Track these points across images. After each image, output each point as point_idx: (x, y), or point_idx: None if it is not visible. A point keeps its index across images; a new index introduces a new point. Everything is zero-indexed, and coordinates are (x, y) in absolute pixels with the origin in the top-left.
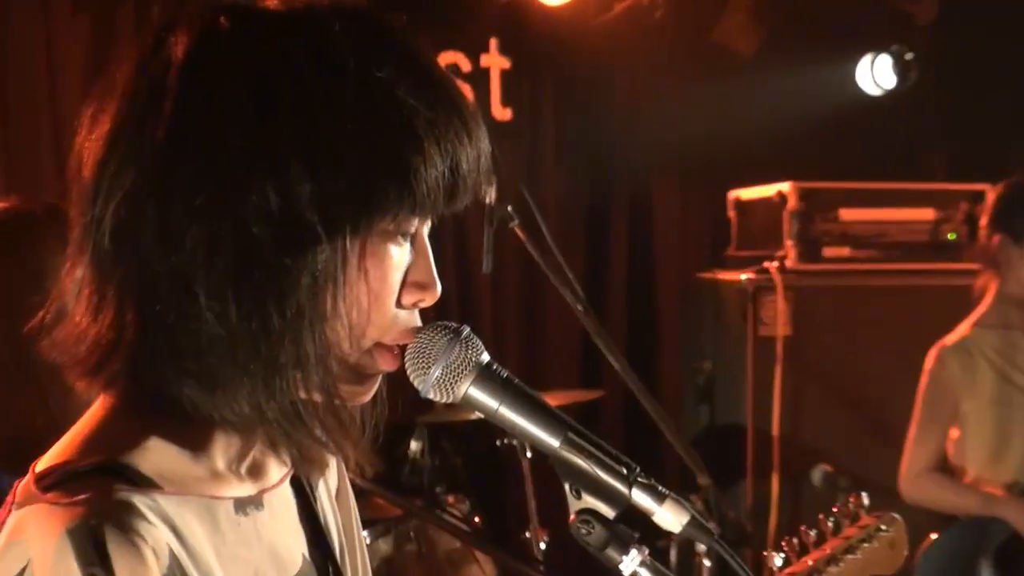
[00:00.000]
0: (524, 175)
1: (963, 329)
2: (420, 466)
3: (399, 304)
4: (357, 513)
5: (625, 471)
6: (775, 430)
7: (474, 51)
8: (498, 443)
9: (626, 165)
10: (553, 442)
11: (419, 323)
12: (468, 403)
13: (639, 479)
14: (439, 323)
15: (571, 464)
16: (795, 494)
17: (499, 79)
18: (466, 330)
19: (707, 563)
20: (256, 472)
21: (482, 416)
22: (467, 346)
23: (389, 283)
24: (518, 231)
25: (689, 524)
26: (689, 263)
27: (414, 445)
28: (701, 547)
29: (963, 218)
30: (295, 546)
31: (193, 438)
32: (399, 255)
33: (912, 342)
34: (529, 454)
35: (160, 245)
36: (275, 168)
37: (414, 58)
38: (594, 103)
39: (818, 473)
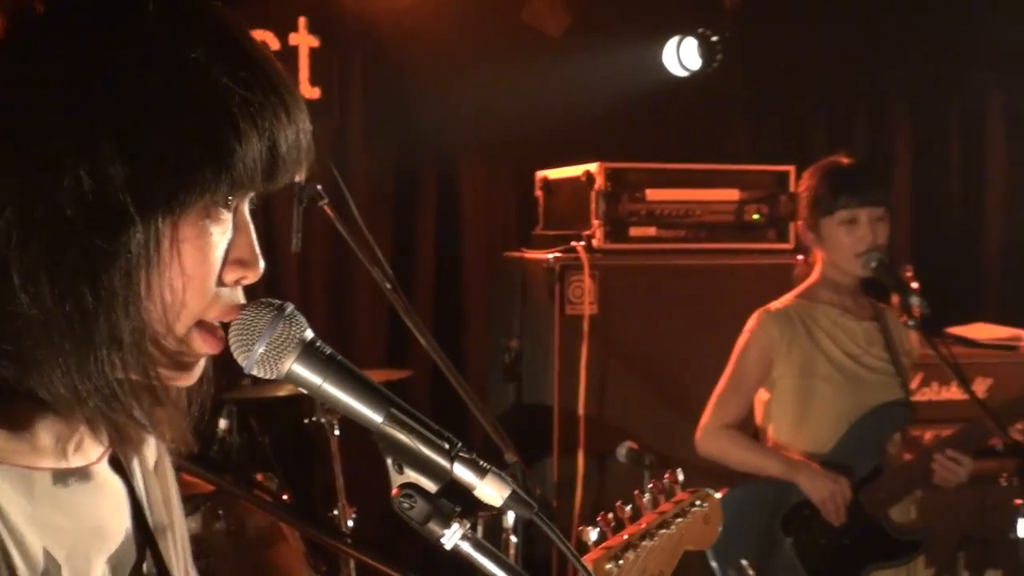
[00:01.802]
0: (333, 154)
1: (788, 298)
2: (228, 444)
3: (221, 282)
4: (176, 487)
5: (447, 446)
6: (581, 408)
7: (283, 30)
8: (306, 421)
9: (434, 144)
10: (376, 417)
11: (242, 300)
12: (292, 379)
13: (461, 454)
14: (263, 300)
15: (393, 439)
16: (600, 471)
17: (308, 58)
18: (290, 307)
19: (514, 539)
20: (84, 446)
21: (291, 394)
22: (291, 323)
23: (208, 262)
24: (327, 210)
25: (510, 498)
26: (496, 242)
27: (222, 423)
28: (508, 523)
29: (768, 199)
30: (119, 521)
31: (13, 415)
32: (218, 233)
33: (717, 321)
34: (337, 432)
35: None
36: (87, 150)
37: (230, 38)
38: (403, 82)
39: (623, 450)
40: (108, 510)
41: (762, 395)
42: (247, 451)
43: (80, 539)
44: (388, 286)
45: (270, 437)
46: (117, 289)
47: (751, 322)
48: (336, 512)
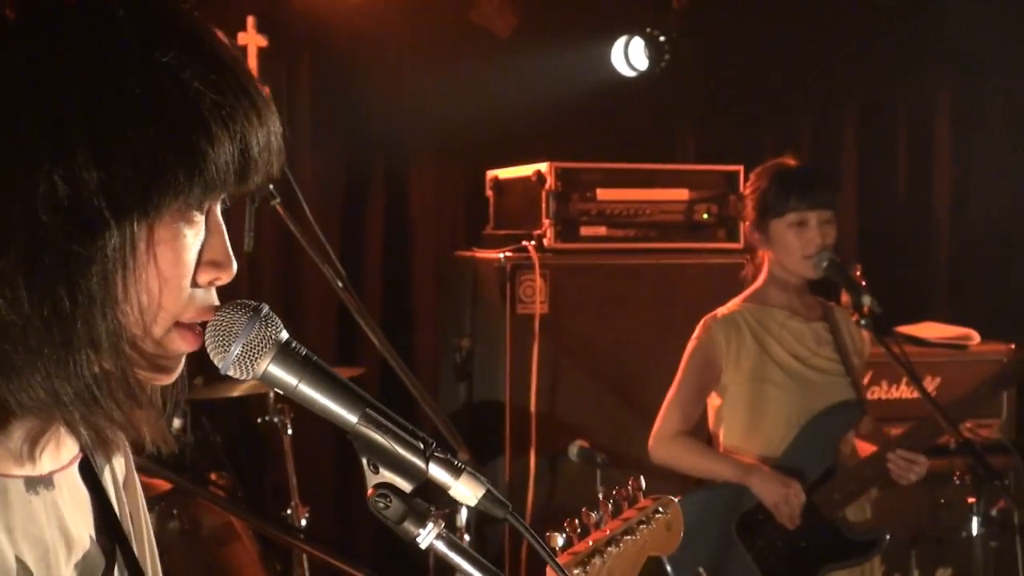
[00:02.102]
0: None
1: (735, 303)
2: (182, 443)
3: (195, 283)
4: (143, 498)
5: (422, 446)
6: (532, 407)
7: (231, 29)
8: (258, 420)
9: (383, 144)
10: (351, 418)
11: (216, 301)
12: (268, 380)
13: (436, 454)
14: (238, 301)
15: (369, 439)
16: (552, 470)
17: (256, 57)
18: (265, 308)
19: (467, 537)
20: (53, 453)
21: (244, 394)
22: (266, 324)
23: (182, 263)
24: (279, 209)
25: (484, 497)
26: (445, 242)
27: (176, 422)
28: (461, 522)
29: (717, 198)
30: (84, 527)
31: None
32: (192, 235)
33: (667, 320)
34: (290, 431)
35: None
36: (61, 156)
37: (200, 42)
38: (352, 82)
39: (574, 448)
40: (74, 517)
41: (713, 400)
42: (200, 451)
43: (49, 546)
44: (340, 284)
45: (222, 437)
46: (94, 293)
47: (698, 329)
48: (289, 511)
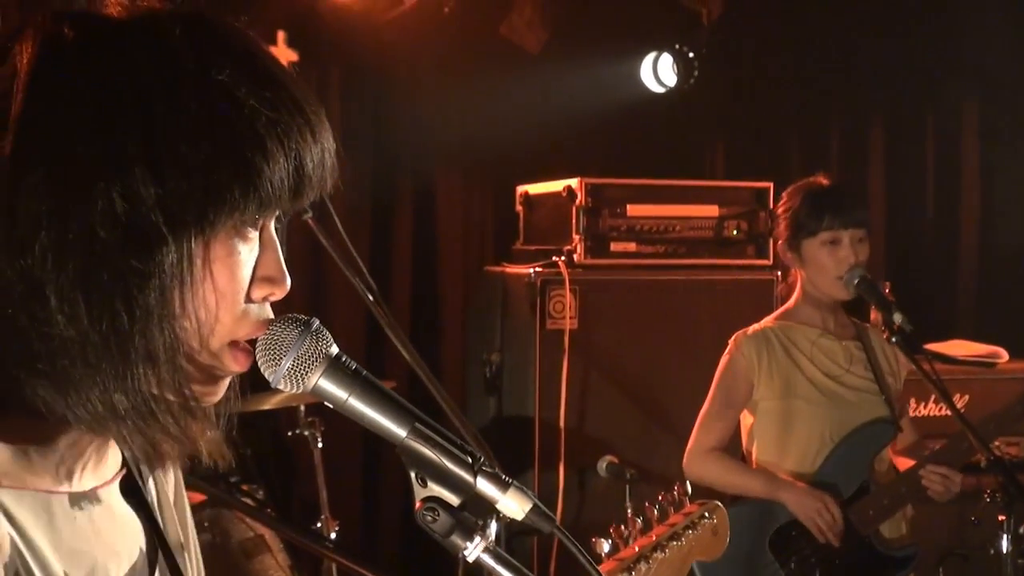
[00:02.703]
0: None
1: (767, 321)
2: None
3: (249, 299)
4: (190, 512)
5: (470, 460)
6: (562, 421)
7: None
8: (289, 434)
9: (413, 158)
10: (400, 432)
11: (270, 314)
12: (318, 393)
13: (484, 468)
14: (290, 315)
15: (417, 453)
16: (581, 484)
17: None
18: (316, 323)
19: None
20: (93, 468)
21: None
22: (317, 338)
23: (237, 279)
24: (311, 223)
25: (531, 511)
26: (473, 256)
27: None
28: (491, 535)
29: (747, 215)
30: (131, 543)
31: (37, 436)
32: (246, 251)
33: (696, 336)
34: (320, 444)
35: (9, 252)
36: (119, 173)
37: (255, 60)
38: (381, 97)
39: (603, 464)
40: (120, 532)
41: (746, 418)
42: (231, 464)
43: (97, 562)
44: (371, 298)
45: (253, 450)
46: (152, 308)
47: (730, 345)
48: (319, 524)
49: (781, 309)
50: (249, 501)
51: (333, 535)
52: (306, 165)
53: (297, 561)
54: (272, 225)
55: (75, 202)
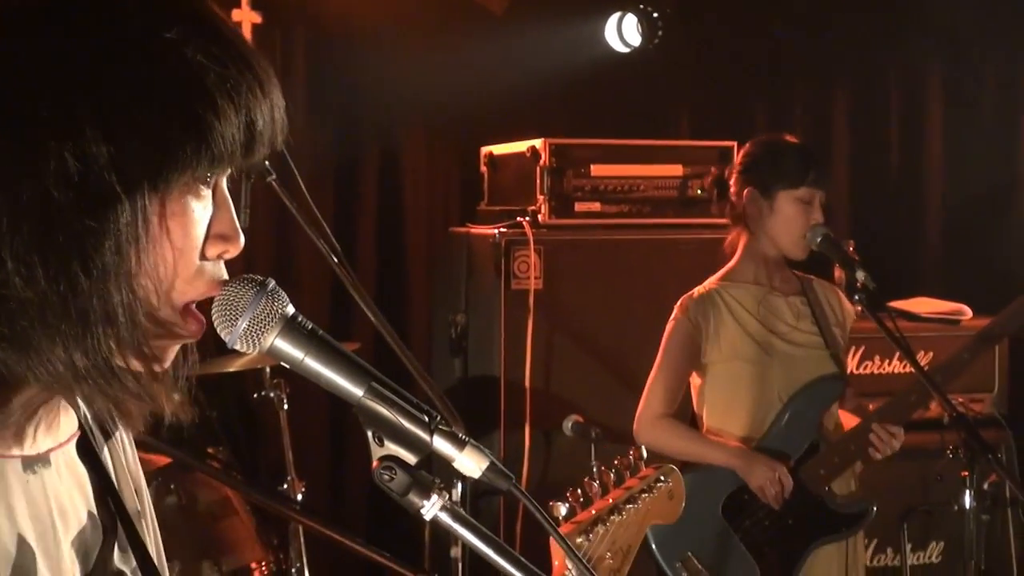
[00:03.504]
0: None
1: (711, 282)
2: (179, 419)
3: (204, 257)
4: (142, 475)
5: (427, 419)
6: (527, 382)
7: (225, 6)
8: (254, 396)
9: (377, 120)
10: (357, 391)
11: (225, 274)
12: (274, 354)
13: (440, 427)
14: (245, 276)
15: (374, 412)
16: (547, 444)
17: (250, 33)
18: (271, 283)
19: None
20: (46, 430)
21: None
22: (273, 298)
23: (192, 237)
24: (275, 185)
25: (488, 469)
26: (438, 218)
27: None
28: (456, 496)
29: (711, 174)
30: (82, 504)
31: None
32: (200, 209)
33: (660, 295)
34: (287, 406)
35: None
36: (70, 134)
37: (203, 18)
38: (346, 58)
39: (569, 423)
40: (72, 493)
41: (695, 380)
42: (196, 426)
43: (48, 524)
44: (335, 260)
45: (219, 412)
46: (108, 267)
47: (676, 310)
48: (285, 486)
49: (724, 269)
50: (215, 464)
51: (300, 496)
52: (257, 121)
53: (264, 522)
54: (224, 183)
55: (27, 164)
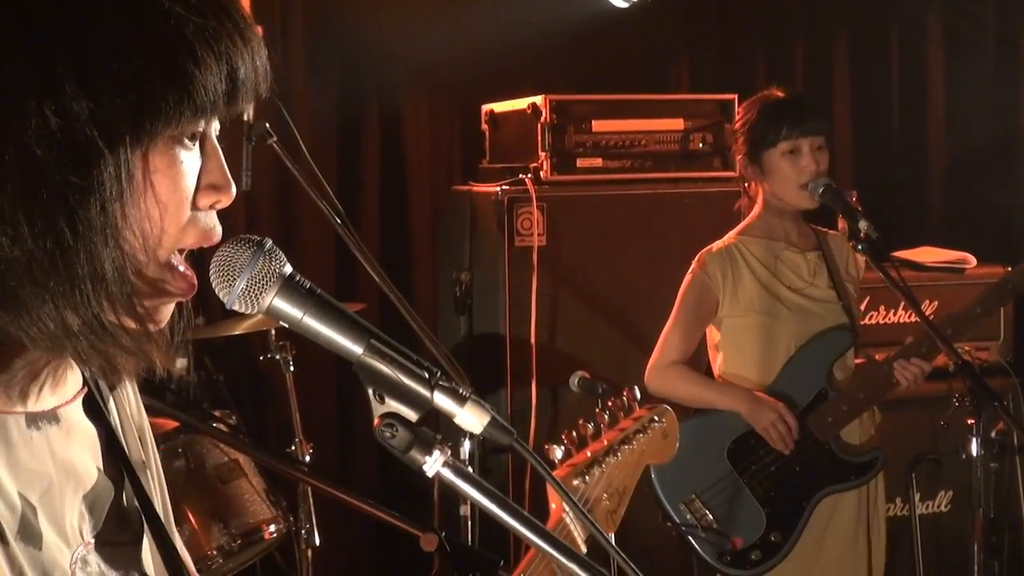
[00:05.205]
0: (276, 92)
1: (730, 236)
2: (186, 382)
3: (195, 207)
4: (150, 430)
5: (427, 375)
6: (533, 339)
7: None
8: (260, 358)
9: (378, 80)
10: (356, 349)
11: (217, 224)
12: (273, 313)
13: (440, 383)
14: (242, 236)
15: (374, 370)
16: (553, 401)
17: None
18: (269, 242)
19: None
20: (52, 388)
21: (246, 332)
22: (270, 258)
23: (181, 189)
24: (276, 147)
25: (489, 424)
26: (441, 176)
27: (179, 362)
28: (464, 455)
29: (712, 127)
30: (90, 460)
31: None
32: (189, 160)
33: (663, 249)
34: (292, 368)
35: None
36: (50, 91)
37: None
38: (345, 18)
39: (575, 379)
40: (79, 450)
41: (712, 334)
42: (203, 390)
43: (53, 481)
44: (338, 221)
45: (225, 375)
46: (94, 222)
47: (694, 264)
48: (293, 448)
49: (743, 223)
50: (223, 427)
51: (307, 458)
52: (238, 69)
53: (273, 484)
54: (213, 134)
55: (8, 123)
